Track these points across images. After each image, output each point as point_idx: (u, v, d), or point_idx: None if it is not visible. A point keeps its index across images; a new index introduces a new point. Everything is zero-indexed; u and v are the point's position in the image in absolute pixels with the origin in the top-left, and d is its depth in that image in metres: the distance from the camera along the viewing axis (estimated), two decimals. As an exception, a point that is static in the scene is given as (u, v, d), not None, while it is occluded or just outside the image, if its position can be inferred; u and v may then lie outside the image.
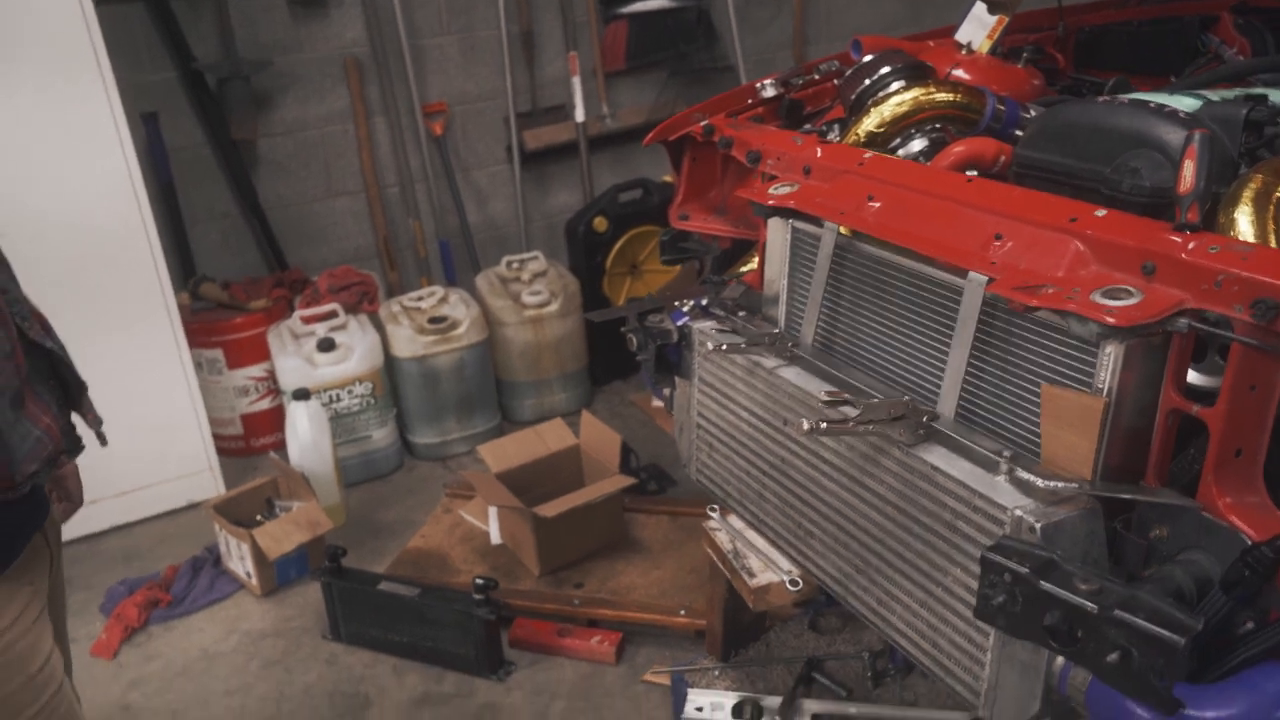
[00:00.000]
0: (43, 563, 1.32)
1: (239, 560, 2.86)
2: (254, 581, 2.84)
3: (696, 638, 2.46)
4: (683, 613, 2.55)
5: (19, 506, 1.21)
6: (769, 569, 1.76)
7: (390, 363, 3.41)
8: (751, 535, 1.84)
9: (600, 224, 3.72)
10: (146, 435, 3.05)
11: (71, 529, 2.03)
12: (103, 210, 2.87)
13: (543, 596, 2.72)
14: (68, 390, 1.34)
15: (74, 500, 1.48)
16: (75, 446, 1.33)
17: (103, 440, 1.40)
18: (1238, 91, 1.69)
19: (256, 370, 3.46)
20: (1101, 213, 1.34)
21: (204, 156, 3.55)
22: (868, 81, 1.97)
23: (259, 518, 2.97)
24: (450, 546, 2.97)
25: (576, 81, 3.87)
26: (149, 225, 2.95)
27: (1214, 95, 1.64)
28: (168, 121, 3.43)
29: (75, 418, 1.37)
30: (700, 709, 1.91)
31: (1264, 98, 1.58)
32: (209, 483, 3.25)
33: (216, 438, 3.33)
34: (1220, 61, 2.32)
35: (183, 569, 2.94)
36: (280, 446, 3.33)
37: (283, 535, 2.83)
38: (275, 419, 3.49)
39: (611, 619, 2.63)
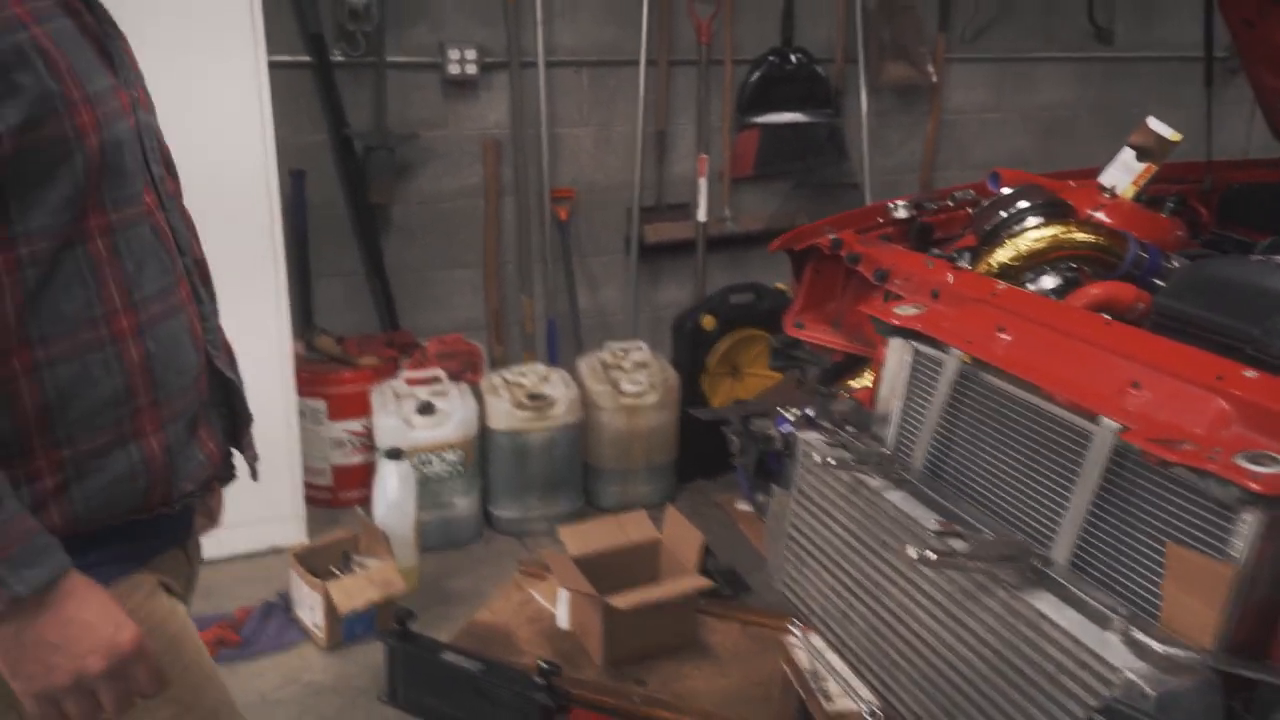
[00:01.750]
0: (180, 574, 1.32)
1: (309, 610, 2.87)
2: (321, 634, 2.84)
3: (757, 757, 2.36)
4: (746, 729, 2.45)
5: (168, 520, 1.23)
6: (847, 695, 1.68)
7: (484, 434, 3.44)
8: (832, 658, 1.77)
9: (708, 322, 3.74)
10: (243, 475, 3.12)
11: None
12: (243, 254, 3.00)
13: (604, 689, 2.65)
14: (235, 421, 1.37)
15: (214, 520, 1.50)
16: (229, 475, 1.35)
17: (254, 475, 1.43)
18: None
19: (355, 425, 3.53)
20: (1252, 373, 1.28)
21: (340, 216, 3.69)
22: (1004, 214, 1.96)
23: (334, 570, 2.98)
24: (517, 625, 2.93)
25: (703, 183, 3.94)
26: (280, 273, 3.08)
27: (1372, 266, 1.58)
28: (313, 180, 3.59)
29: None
30: (757, 836, 1.82)
31: None
32: (294, 529, 3.29)
33: (307, 486, 3.38)
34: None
35: (255, 612, 2.96)
36: (365, 502, 3.37)
37: (356, 591, 2.84)
38: (365, 475, 3.53)
39: (671, 723, 2.55)
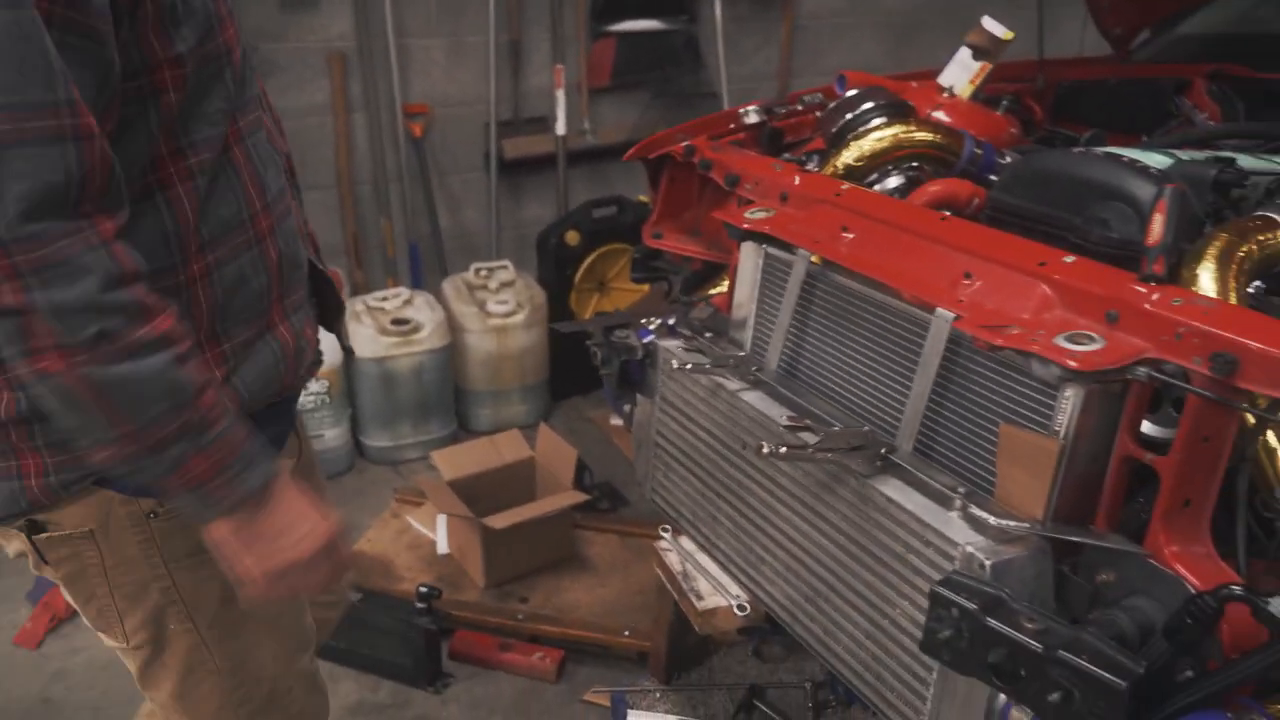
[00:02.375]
0: (293, 452, 1.47)
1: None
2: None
3: (639, 659, 2.44)
4: (627, 633, 2.53)
5: (287, 404, 1.39)
6: (717, 593, 1.75)
7: (348, 362, 3.37)
8: (702, 558, 1.83)
9: (572, 238, 3.72)
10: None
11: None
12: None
13: (486, 609, 2.68)
14: (326, 309, 1.48)
15: None
16: (320, 360, 1.46)
17: (350, 354, 1.58)
18: (1207, 153, 1.72)
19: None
20: (1070, 259, 1.36)
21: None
22: (850, 116, 1.99)
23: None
24: (396, 553, 2.93)
25: (560, 95, 3.87)
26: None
27: (1185, 155, 1.68)
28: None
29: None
30: (638, 731, 1.90)
31: (1232, 161, 1.62)
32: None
33: (165, 425, 3.26)
34: (1191, 124, 2.37)
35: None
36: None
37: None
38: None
39: (555, 636, 2.60)
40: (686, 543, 1.87)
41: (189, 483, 1.07)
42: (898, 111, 1.97)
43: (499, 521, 2.65)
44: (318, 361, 1.43)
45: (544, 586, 2.77)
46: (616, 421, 3.55)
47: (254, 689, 1.41)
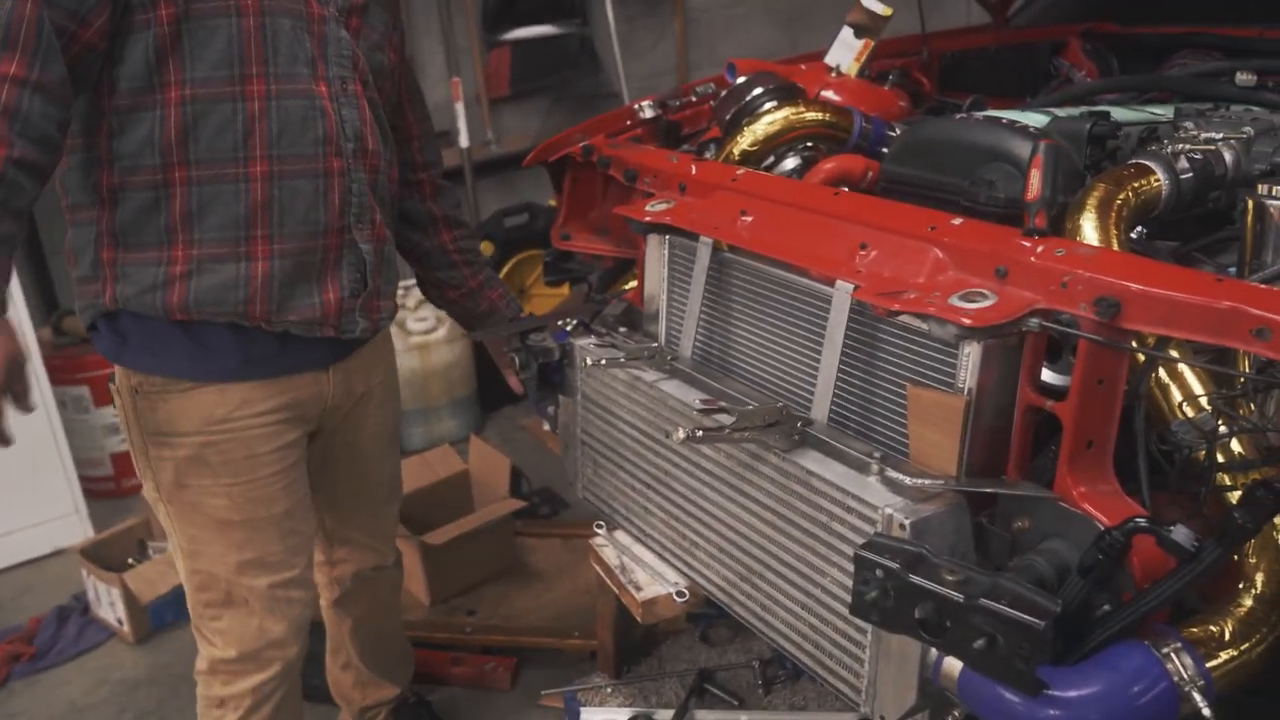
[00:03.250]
0: (308, 398, 1.68)
1: (109, 606, 2.73)
2: (126, 628, 2.71)
3: (591, 659, 2.44)
4: (576, 634, 2.53)
5: (272, 340, 1.60)
6: (656, 582, 1.76)
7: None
8: (639, 550, 1.84)
9: (486, 248, 3.71)
10: (5, 479, 2.89)
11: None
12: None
13: (434, 626, 2.66)
14: (366, 287, 1.67)
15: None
16: (350, 327, 1.66)
17: (374, 330, 1.74)
18: (1084, 109, 1.79)
19: (128, 406, 3.32)
20: (958, 221, 1.40)
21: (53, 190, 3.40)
22: (741, 102, 2.02)
23: (130, 561, 2.84)
24: (337, 580, 2.88)
25: (459, 107, 3.86)
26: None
27: (1062, 113, 1.74)
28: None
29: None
30: (593, 728, 1.91)
31: (1107, 114, 1.68)
32: (76, 527, 3.09)
33: (84, 479, 3.17)
34: (1070, 83, 2.46)
35: (47, 619, 2.79)
36: (155, 485, 3.19)
37: (157, 577, 2.71)
38: (149, 457, 3.35)
39: (505, 644, 2.59)
40: (622, 536, 1.89)
41: None
42: (787, 94, 2.01)
43: (437, 537, 2.64)
44: (346, 326, 1.66)
45: (490, 597, 2.76)
46: (549, 426, 3.55)
47: (210, 581, 1.68)
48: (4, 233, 1.31)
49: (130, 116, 1.48)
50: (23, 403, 1.33)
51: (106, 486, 3.38)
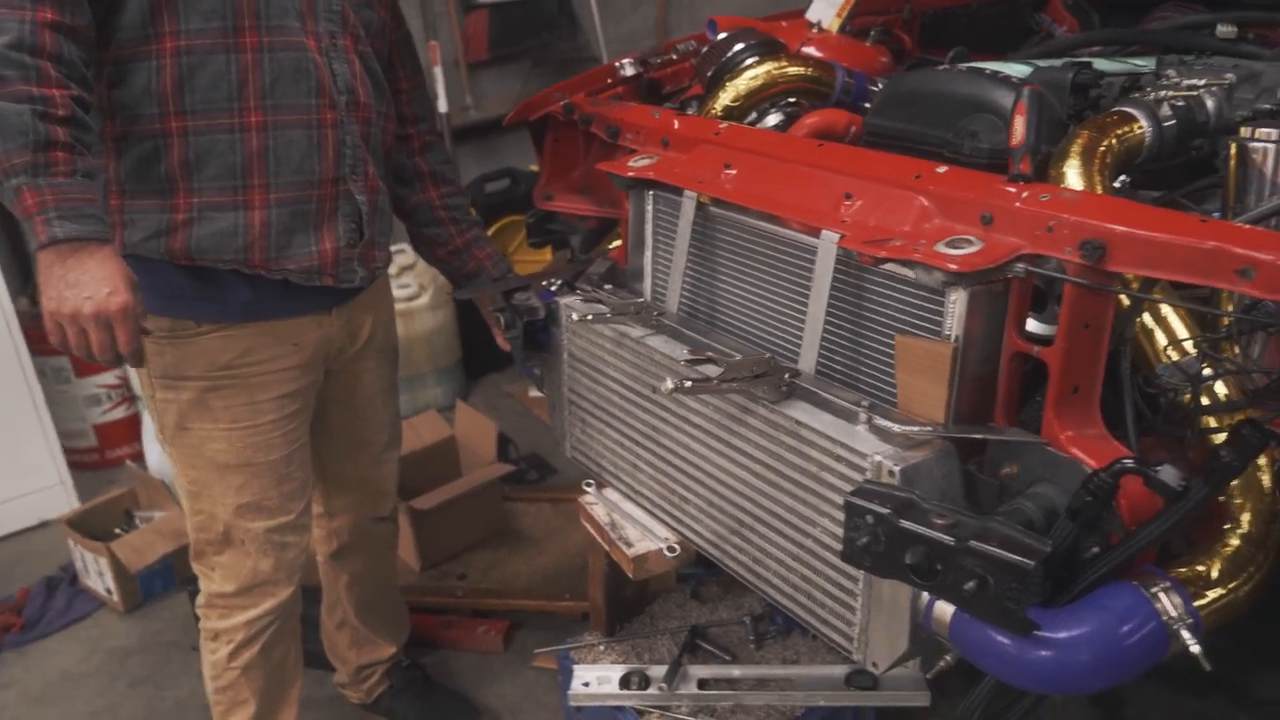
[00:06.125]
0: (307, 339, 1.73)
1: (98, 576, 2.72)
2: (115, 598, 2.71)
3: (584, 620, 2.46)
4: (568, 596, 2.55)
5: (273, 287, 1.66)
6: (646, 538, 1.77)
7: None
8: (629, 507, 1.84)
9: (468, 215, 3.68)
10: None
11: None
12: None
13: (425, 590, 2.68)
14: (363, 237, 1.72)
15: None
16: (347, 276, 1.72)
17: (370, 279, 1.79)
18: (1066, 60, 1.79)
19: (108, 377, 3.30)
20: (943, 169, 1.40)
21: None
22: (723, 58, 2.01)
23: (118, 531, 2.83)
24: (326, 547, 2.89)
25: (438, 71, 3.82)
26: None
27: (1044, 64, 1.74)
28: None
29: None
30: (587, 684, 1.91)
31: (1089, 64, 1.68)
32: (61, 498, 3.08)
33: (68, 451, 3.16)
34: (1052, 39, 2.45)
35: (36, 590, 2.78)
36: (139, 457, 3.18)
37: (144, 546, 2.71)
38: (132, 428, 3.33)
39: (497, 608, 2.61)
40: (611, 494, 1.89)
41: (21, 211, 1.34)
42: (769, 50, 2.00)
43: (426, 502, 2.64)
44: (344, 276, 1.71)
45: (481, 561, 2.77)
46: (536, 394, 3.55)
47: (210, 522, 1.77)
48: (91, 167, 1.39)
49: (128, 67, 1.52)
50: (128, 347, 1.41)
51: (91, 458, 3.36)
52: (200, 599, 1.87)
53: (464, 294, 1.97)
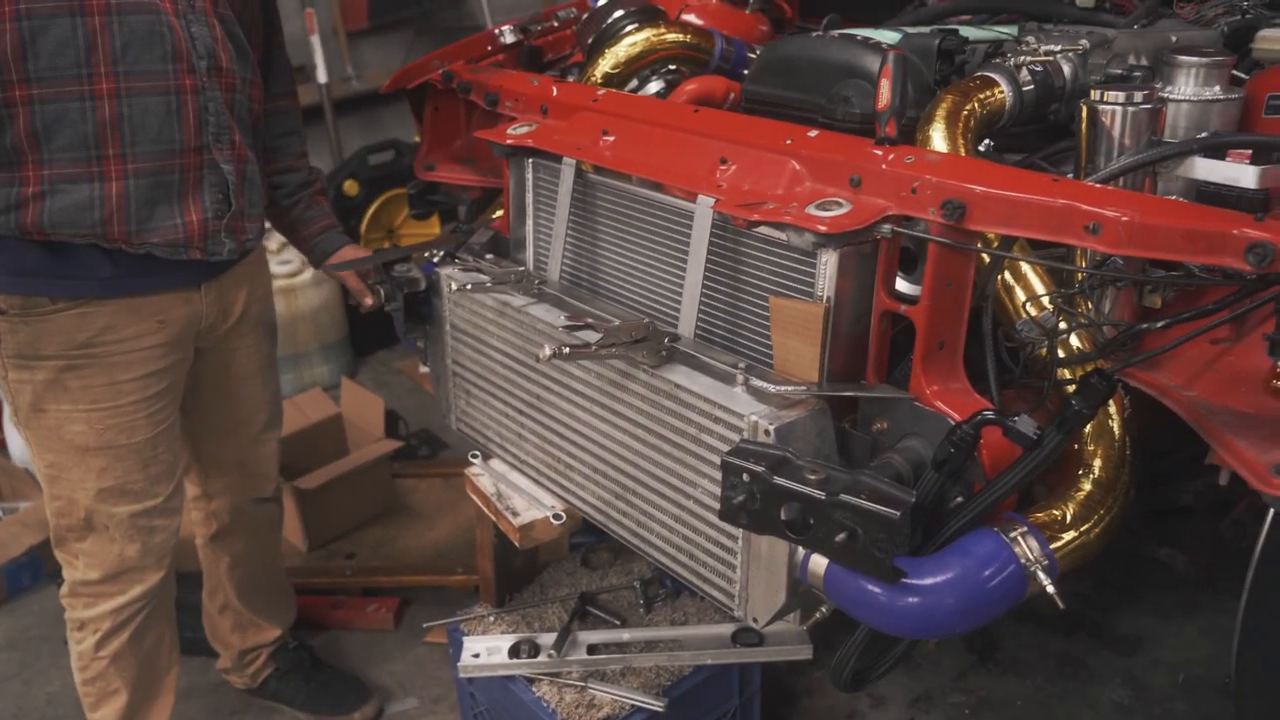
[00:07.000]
0: (177, 315, 1.68)
1: (-40, 571, 2.59)
2: (-20, 592, 2.58)
3: (476, 594, 2.44)
4: (460, 570, 2.53)
5: (136, 261, 1.60)
6: (533, 507, 1.76)
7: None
8: (515, 477, 1.84)
9: (351, 188, 3.60)
10: None
11: None
12: None
13: (312, 571, 2.62)
14: (230, 208, 1.66)
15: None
16: (216, 249, 1.66)
17: (241, 254, 1.75)
18: (934, 27, 1.83)
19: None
20: (814, 133, 1.42)
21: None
22: (602, 25, 2.00)
23: (-19, 523, 2.69)
24: (208, 532, 2.80)
25: (315, 40, 3.70)
26: None
27: (914, 31, 1.78)
28: None
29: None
30: (477, 655, 1.90)
31: (955, 31, 1.73)
32: (-85, 493, 2.91)
33: (-77, 441, 2.98)
34: (924, 6, 2.51)
35: (-108, 589, 2.63)
36: (0, 445, 3.02)
37: (9, 539, 2.58)
38: (-6, 415, 3.16)
39: (387, 585, 2.58)
40: (497, 465, 1.88)
41: None
42: (648, 17, 2.00)
43: (310, 481, 2.59)
44: (212, 249, 1.66)
45: (370, 539, 2.73)
46: (426, 370, 3.50)
47: (70, 508, 1.71)
48: None
49: None
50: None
51: (-52, 450, 3.18)
52: (64, 588, 1.80)
53: (339, 268, 1.93)
